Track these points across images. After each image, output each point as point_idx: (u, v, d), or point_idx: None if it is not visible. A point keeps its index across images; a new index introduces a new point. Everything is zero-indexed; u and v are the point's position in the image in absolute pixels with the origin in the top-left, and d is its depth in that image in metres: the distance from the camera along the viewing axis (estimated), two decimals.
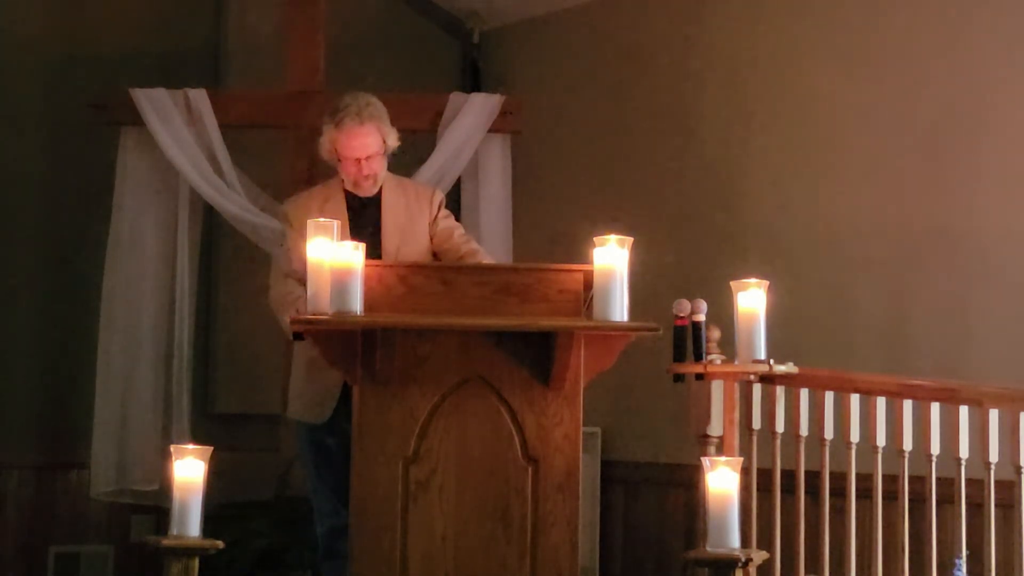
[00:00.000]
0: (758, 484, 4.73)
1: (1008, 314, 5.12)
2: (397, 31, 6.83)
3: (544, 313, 4.07)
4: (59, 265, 6.16)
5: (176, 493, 3.99)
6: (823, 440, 4.64)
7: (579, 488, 4.08)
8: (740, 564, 3.86)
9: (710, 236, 5.99)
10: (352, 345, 4.03)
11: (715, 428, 4.74)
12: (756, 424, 4.79)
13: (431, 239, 4.67)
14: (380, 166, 4.60)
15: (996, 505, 4.31)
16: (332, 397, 4.44)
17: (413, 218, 4.65)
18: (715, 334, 4.68)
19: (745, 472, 4.33)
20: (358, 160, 4.55)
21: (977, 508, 4.34)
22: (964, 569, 4.19)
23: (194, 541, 3.96)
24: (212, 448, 4.06)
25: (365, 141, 4.55)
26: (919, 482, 4.43)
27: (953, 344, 5.23)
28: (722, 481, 3.90)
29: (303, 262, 4.09)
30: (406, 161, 5.12)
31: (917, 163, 5.43)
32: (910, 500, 4.48)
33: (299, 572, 5.50)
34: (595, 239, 3.93)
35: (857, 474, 4.58)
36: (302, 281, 4.25)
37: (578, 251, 4.03)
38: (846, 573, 4.58)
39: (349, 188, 4.62)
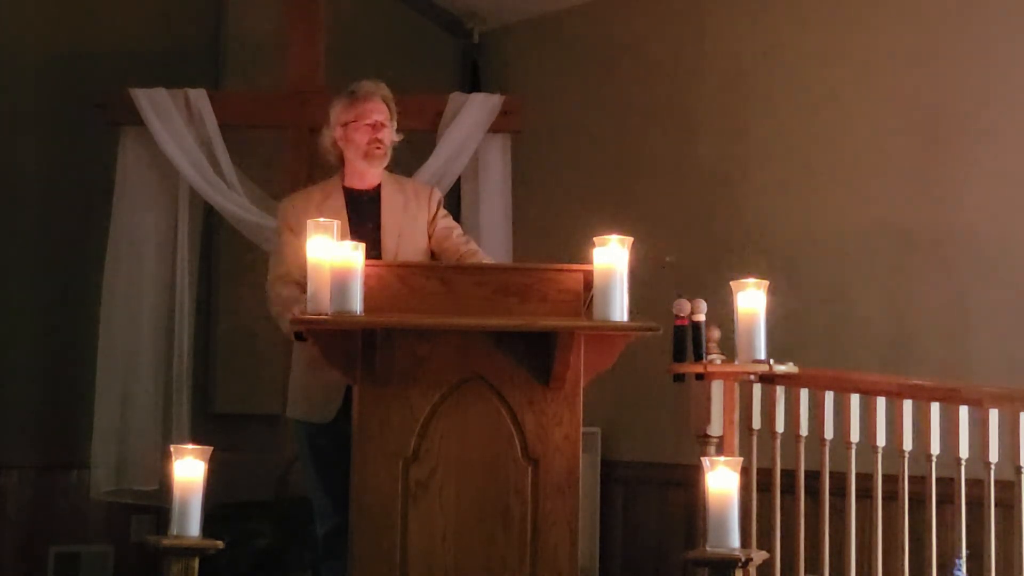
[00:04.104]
0: (758, 484, 4.73)
1: (1008, 314, 5.12)
2: (397, 31, 6.83)
3: (544, 313, 4.07)
4: (59, 265, 6.16)
5: (176, 493, 3.98)
6: (823, 440, 4.64)
7: (579, 488, 4.07)
8: (740, 564, 3.86)
9: (710, 236, 5.99)
10: (352, 345, 4.03)
11: (715, 428, 4.74)
12: (756, 424, 4.80)
13: (429, 238, 4.67)
14: (389, 140, 4.62)
15: (996, 505, 4.31)
16: (337, 397, 4.43)
17: (413, 216, 4.65)
18: (715, 334, 4.68)
19: (745, 472, 4.33)
20: (372, 125, 4.57)
21: (977, 508, 4.34)
22: (964, 569, 4.19)
23: (194, 541, 3.95)
24: (212, 448, 4.06)
25: (379, 106, 4.60)
26: (919, 482, 4.43)
27: (953, 344, 5.24)
28: (722, 481, 3.90)
29: (300, 262, 4.09)
30: (406, 161, 5.12)
31: (917, 163, 5.43)
32: (910, 500, 4.48)
33: (299, 572, 5.50)
34: (595, 239, 3.92)
35: (857, 474, 4.58)
36: (298, 282, 4.25)
37: (578, 251, 4.03)
38: (846, 573, 4.58)
39: (360, 160, 4.60)
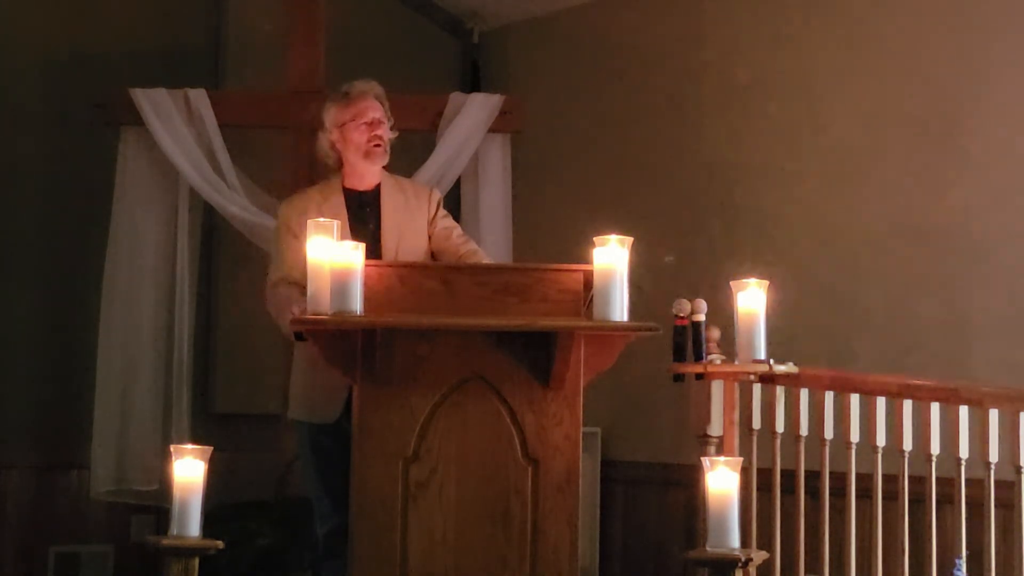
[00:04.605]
0: (758, 484, 4.73)
1: (1008, 314, 5.12)
2: (397, 31, 6.83)
3: (544, 313, 4.07)
4: (59, 265, 6.16)
5: (176, 493, 3.98)
6: (823, 440, 4.64)
7: (579, 488, 4.08)
8: (740, 564, 3.86)
9: (710, 236, 5.99)
10: (352, 345, 4.03)
11: (715, 428, 4.74)
12: (756, 424, 4.80)
13: (429, 238, 4.67)
14: (387, 136, 4.62)
15: (996, 505, 4.31)
16: (340, 397, 4.43)
17: (412, 216, 4.65)
18: (715, 334, 4.68)
19: (745, 472, 4.32)
20: (369, 124, 4.57)
21: (977, 508, 4.34)
22: (964, 569, 4.19)
23: (194, 541, 3.95)
24: (212, 448, 4.06)
25: (374, 104, 4.61)
26: (919, 482, 4.43)
27: (953, 344, 5.24)
28: (722, 481, 3.90)
29: (300, 264, 4.09)
30: (406, 161, 5.11)
31: (919, 164, 5.43)
32: (910, 500, 4.48)
33: (299, 572, 5.50)
34: (595, 239, 3.92)
35: (857, 474, 4.58)
36: (298, 283, 4.25)
37: (578, 251, 4.03)
38: (846, 573, 4.58)
39: (360, 160, 4.59)
